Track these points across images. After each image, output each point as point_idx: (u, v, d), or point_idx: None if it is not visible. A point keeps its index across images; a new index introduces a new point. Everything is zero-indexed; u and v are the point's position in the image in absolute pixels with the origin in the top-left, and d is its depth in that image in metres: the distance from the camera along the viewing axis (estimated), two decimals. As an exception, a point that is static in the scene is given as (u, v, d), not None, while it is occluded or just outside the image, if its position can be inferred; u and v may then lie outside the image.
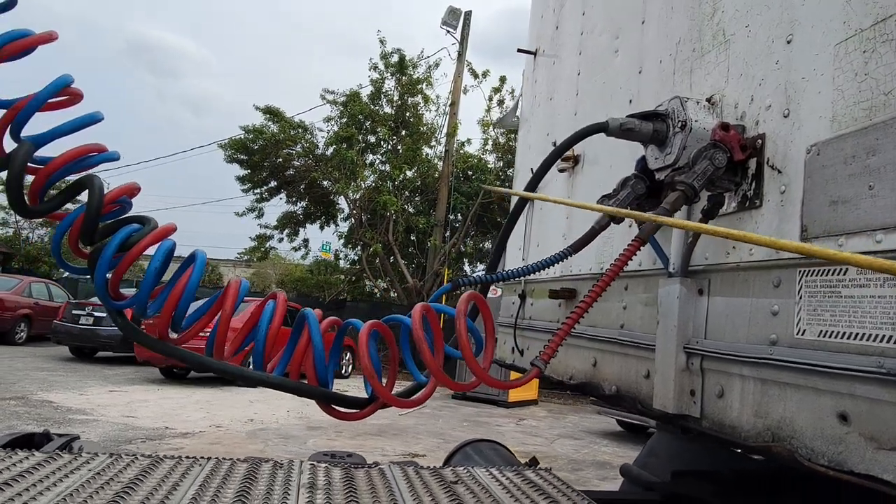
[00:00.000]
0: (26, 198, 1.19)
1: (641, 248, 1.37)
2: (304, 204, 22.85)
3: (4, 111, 1.23)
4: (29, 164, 1.20)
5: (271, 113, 20.74)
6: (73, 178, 1.28)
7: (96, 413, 9.10)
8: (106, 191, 1.24)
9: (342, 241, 23.14)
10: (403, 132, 20.99)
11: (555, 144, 2.65)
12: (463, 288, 1.43)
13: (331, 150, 20.58)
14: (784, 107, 1.30)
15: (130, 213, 1.33)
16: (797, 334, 1.19)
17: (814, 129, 1.22)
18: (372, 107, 20.80)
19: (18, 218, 28.71)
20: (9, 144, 1.24)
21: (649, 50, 1.89)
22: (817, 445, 1.11)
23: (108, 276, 1.26)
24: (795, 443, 1.16)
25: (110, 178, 1.39)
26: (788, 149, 1.28)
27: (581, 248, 1.60)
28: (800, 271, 1.21)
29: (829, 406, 1.10)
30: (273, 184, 22.22)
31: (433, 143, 21.76)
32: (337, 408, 1.33)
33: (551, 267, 2.16)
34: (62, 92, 1.28)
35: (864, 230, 1.07)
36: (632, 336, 1.79)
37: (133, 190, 1.32)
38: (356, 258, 22.49)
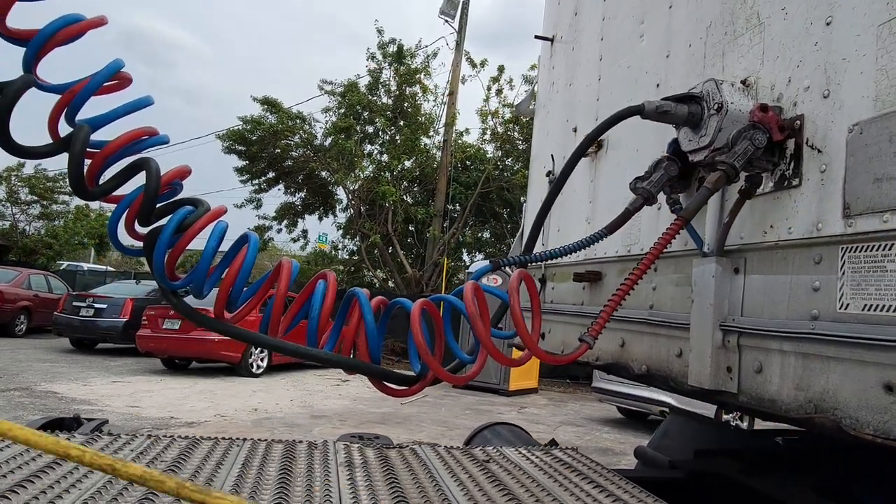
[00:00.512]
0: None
1: (684, 227, 1.40)
2: (302, 195, 22.83)
3: (59, 95, 1.26)
4: (85, 147, 1.22)
5: (269, 104, 20.67)
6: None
7: (101, 403, 9.13)
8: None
9: (341, 231, 23.16)
10: (402, 122, 20.94)
11: (575, 130, 2.67)
12: (507, 268, 1.46)
13: (329, 140, 20.54)
14: (824, 88, 1.33)
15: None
16: (840, 309, 1.22)
17: (855, 108, 1.24)
18: (370, 97, 20.75)
19: (15, 210, 28.60)
20: (63, 129, 1.26)
21: (678, 34, 1.91)
22: (862, 415, 1.15)
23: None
24: (839, 413, 1.20)
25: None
26: (829, 129, 1.31)
27: (616, 229, 1.63)
28: (842, 248, 1.24)
29: (875, 377, 1.13)
30: (271, 175, 22.18)
31: (431, 133, 21.74)
32: (388, 384, 1.36)
33: (583, 249, 2.19)
34: (113, 76, 1.30)
35: (911, 206, 1.10)
36: (662, 316, 1.82)
37: (185, 173, 1.34)
38: (355, 249, 22.50)
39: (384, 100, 21.10)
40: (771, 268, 1.42)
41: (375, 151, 21.39)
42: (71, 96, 1.22)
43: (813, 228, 1.31)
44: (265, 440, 2.01)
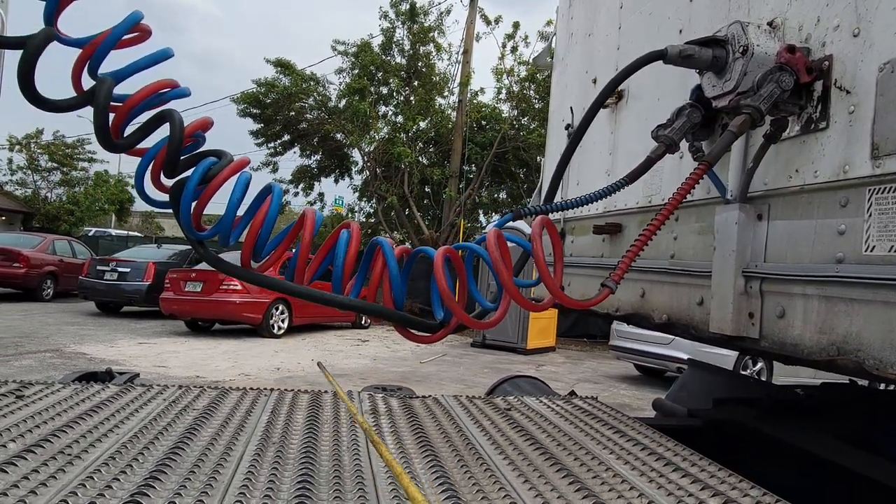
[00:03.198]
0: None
1: (707, 173, 1.39)
2: (318, 157, 22.81)
3: (80, 49, 1.26)
4: (109, 100, 1.23)
5: (282, 66, 20.51)
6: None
7: (129, 364, 9.36)
8: (183, 125, 1.27)
9: (357, 194, 23.18)
10: (416, 82, 20.70)
11: (594, 82, 2.63)
12: (528, 217, 1.46)
13: (343, 102, 20.40)
14: (854, 26, 1.29)
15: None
16: (866, 251, 1.21)
17: (887, 46, 1.21)
18: (383, 57, 20.49)
19: (36, 177, 28.96)
20: (87, 84, 1.27)
21: (702, -24, 1.86)
22: (886, 356, 1.15)
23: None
24: (862, 355, 1.20)
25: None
26: (858, 68, 1.28)
27: (637, 177, 1.61)
28: (870, 189, 1.22)
29: (899, 318, 1.13)
30: (286, 138, 22.16)
31: (446, 94, 21.50)
32: (412, 331, 1.38)
33: (603, 199, 2.19)
34: (133, 29, 1.31)
35: (942, 144, 1.08)
36: (683, 265, 1.82)
37: (207, 124, 1.35)
38: (371, 211, 22.53)
39: (398, 60, 20.84)
40: (795, 213, 1.41)
41: (390, 112, 21.22)
42: (92, 49, 1.23)
43: (840, 171, 1.29)
44: (292, 390, 2.07)
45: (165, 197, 1.32)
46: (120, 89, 1.28)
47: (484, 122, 21.43)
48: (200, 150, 1.35)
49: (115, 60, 1.32)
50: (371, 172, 21.14)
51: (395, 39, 20.64)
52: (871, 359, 1.18)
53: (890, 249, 1.17)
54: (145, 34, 1.34)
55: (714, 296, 1.59)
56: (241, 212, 1.33)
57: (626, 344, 11.21)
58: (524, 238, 1.44)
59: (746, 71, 1.46)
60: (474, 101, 21.29)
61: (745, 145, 1.58)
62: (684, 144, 1.70)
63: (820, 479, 1.92)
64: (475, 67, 21.47)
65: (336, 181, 23.31)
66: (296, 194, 23.00)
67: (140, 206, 35.61)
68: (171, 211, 1.33)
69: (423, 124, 20.76)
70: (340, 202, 24.01)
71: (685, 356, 9.89)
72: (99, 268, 15.59)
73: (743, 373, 9.76)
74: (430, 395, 2.16)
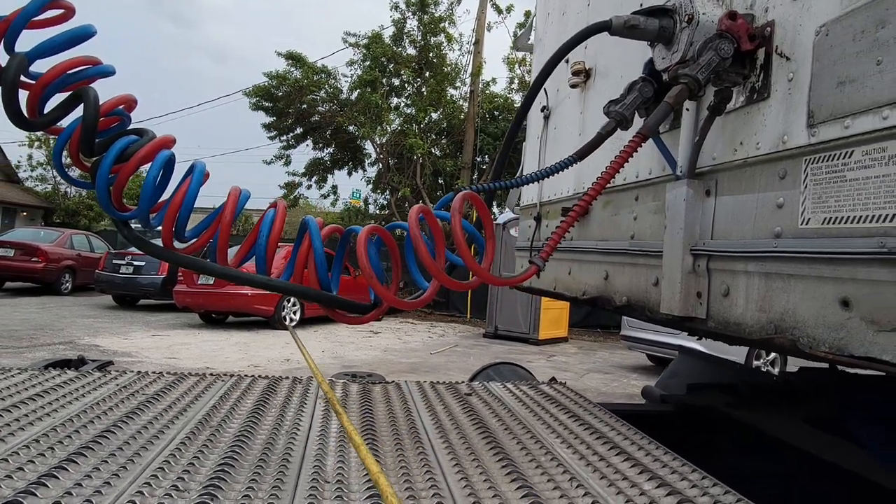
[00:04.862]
0: (24, 111, 1.21)
1: (643, 144, 1.33)
2: (330, 150, 22.86)
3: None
4: (24, 78, 1.21)
5: (293, 58, 20.55)
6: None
7: (140, 356, 9.48)
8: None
9: (370, 186, 23.19)
10: (427, 73, 20.62)
11: (567, 62, 2.57)
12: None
13: (355, 94, 20.40)
14: (794, -12, 1.23)
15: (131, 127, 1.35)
16: (801, 224, 1.16)
17: (823, 8, 1.15)
18: (395, 48, 20.43)
19: (57, 174, 29.37)
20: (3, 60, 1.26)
21: (660, -53, 1.79)
22: (819, 333, 1.10)
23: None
24: (797, 333, 1.15)
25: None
26: (797, 33, 1.22)
27: (587, 154, 1.56)
28: (805, 160, 1.17)
29: (832, 293, 1.08)
30: (299, 130, 22.23)
31: (458, 84, 21.40)
32: (343, 312, 1.35)
33: (567, 181, 2.13)
34: (53, 6, 1.28)
35: (871, 108, 1.02)
36: (641, 245, 1.77)
37: (129, 101, 1.33)
38: (385, 203, 22.55)
39: (409, 51, 20.77)
40: (739, 187, 1.36)
41: (402, 104, 21.18)
42: (6, 25, 1.21)
43: (779, 142, 1.23)
44: (251, 376, 2.05)
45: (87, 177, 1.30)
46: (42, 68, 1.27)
47: (496, 113, 21.31)
48: (126, 129, 1.33)
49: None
50: (384, 164, 21.14)
51: (405, 30, 20.57)
52: (805, 336, 1.13)
53: (823, 221, 1.11)
54: (69, 12, 1.32)
55: (664, 275, 1.54)
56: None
57: (638, 334, 11.08)
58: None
59: (693, 41, 1.40)
60: (486, 92, 21.18)
61: (694, 119, 1.52)
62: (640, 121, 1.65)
63: (788, 465, 1.86)
64: (487, 57, 21.34)
65: (349, 173, 23.38)
66: (309, 187, 23.12)
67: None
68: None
69: (435, 115, 20.70)
70: (358, 195, 24.07)
71: (697, 346, 9.78)
72: (115, 261, 15.80)
73: (756, 362, 9.62)
74: (392, 381, 2.13)
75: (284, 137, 22.25)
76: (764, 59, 1.30)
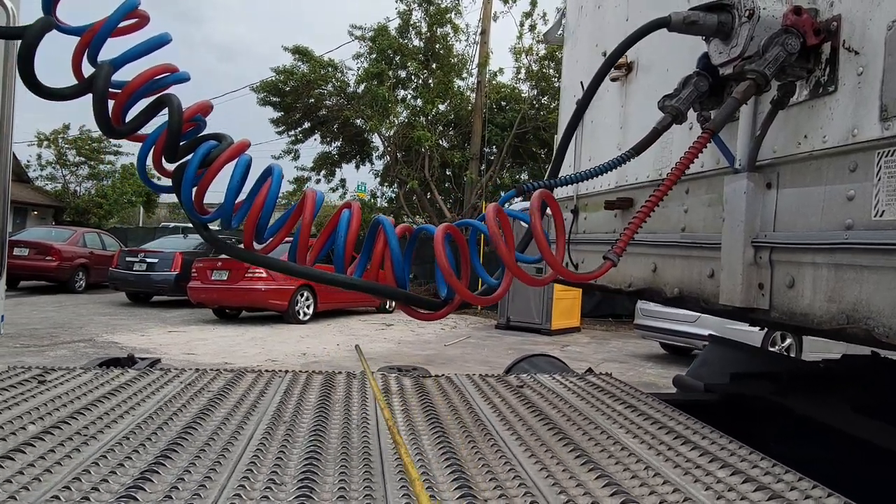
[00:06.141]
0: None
1: (711, 140, 1.36)
2: (338, 144, 22.88)
3: (79, 37, 1.28)
4: (108, 86, 1.24)
5: (300, 53, 20.53)
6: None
7: (159, 352, 9.56)
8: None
9: (378, 179, 23.21)
10: (434, 65, 20.56)
11: (604, 55, 2.59)
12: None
13: (362, 87, 20.37)
14: (862, -16, 1.25)
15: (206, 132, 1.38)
16: (875, 216, 1.18)
17: (895, 4, 1.17)
18: (401, 40, 20.37)
19: (66, 172, 29.55)
20: (86, 70, 1.29)
21: (709, -59, 1.80)
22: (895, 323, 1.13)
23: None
24: (872, 322, 1.17)
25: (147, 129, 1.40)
26: (866, 28, 1.23)
27: (643, 149, 1.59)
28: (879, 153, 1.19)
29: (909, 283, 1.10)
30: (306, 125, 22.24)
31: (465, 75, 21.31)
32: (416, 308, 1.39)
33: (609, 174, 2.16)
34: (130, 15, 1.32)
35: (952, 102, 1.04)
36: (694, 238, 1.79)
37: (206, 108, 1.36)
38: (393, 196, 22.57)
39: (415, 42, 20.70)
40: (804, 180, 1.38)
41: (409, 96, 21.14)
42: (90, 36, 1.24)
43: (848, 135, 1.26)
44: (305, 371, 2.09)
45: (169, 182, 1.33)
46: (122, 76, 1.30)
47: (503, 103, 21.25)
48: (202, 134, 1.37)
49: (118, 48, 1.33)
50: (391, 157, 21.14)
51: (411, 22, 20.49)
52: (881, 326, 1.16)
53: (899, 213, 1.13)
54: (143, 20, 1.35)
55: (724, 267, 1.57)
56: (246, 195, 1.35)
57: (652, 322, 11.11)
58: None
59: (753, 35, 1.42)
60: (493, 82, 21.11)
61: (753, 113, 1.54)
62: (693, 115, 1.67)
63: (838, 452, 1.89)
64: (493, 48, 21.19)
65: (357, 167, 23.39)
66: (318, 181, 23.12)
67: (167, 197, 36.15)
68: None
69: (442, 107, 20.64)
70: (363, 188, 24.09)
71: (711, 333, 9.80)
72: (128, 259, 15.91)
73: (771, 349, 9.63)
74: (442, 375, 2.17)
75: (292, 132, 22.27)
76: (830, 54, 1.32)
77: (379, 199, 23.42)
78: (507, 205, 1.57)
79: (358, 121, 21.17)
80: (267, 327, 12.90)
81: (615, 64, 1.75)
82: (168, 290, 15.65)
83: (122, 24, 1.31)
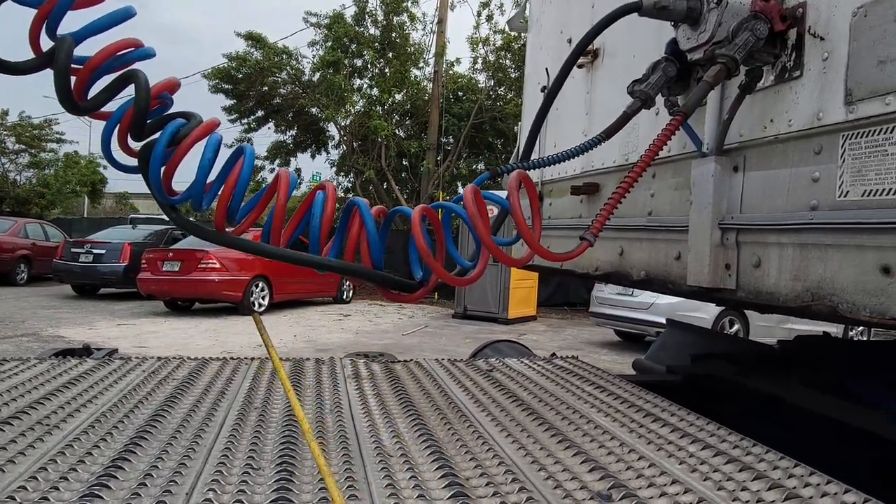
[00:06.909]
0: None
1: (685, 120, 1.38)
2: (293, 133, 22.50)
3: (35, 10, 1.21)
4: (69, 61, 1.19)
5: (253, 39, 20.06)
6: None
7: (108, 345, 9.24)
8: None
9: (334, 169, 22.94)
10: (390, 54, 20.39)
11: (570, 41, 2.60)
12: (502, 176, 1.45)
13: (317, 75, 20.05)
14: (827, -29, 1.29)
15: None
16: (839, 197, 1.23)
17: (859, -10, 1.21)
18: (357, 28, 20.11)
19: (5, 160, 28.22)
20: (45, 44, 1.22)
21: (675, -72, 1.83)
22: (859, 299, 1.17)
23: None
24: (836, 299, 1.22)
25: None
26: (831, 14, 1.27)
27: (613, 133, 1.60)
28: (843, 136, 1.23)
29: (872, 261, 1.15)
30: (260, 113, 21.79)
31: (421, 65, 21.22)
32: (392, 290, 1.38)
33: (575, 159, 2.18)
34: (92, -14, 1.25)
35: (914, 85, 1.08)
36: (661, 221, 1.83)
37: (174, 86, 1.31)
38: (350, 185, 22.35)
39: (371, 31, 20.48)
40: (770, 163, 1.42)
41: (365, 85, 20.93)
42: (49, 8, 1.18)
43: (814, 118, 1.30)
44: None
45: (134, 161, 1.28)
46: (83, 51, 1.24)
47: (460, 93, 21.25)
48: (169, 112, 1.32)
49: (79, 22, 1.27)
50: (347, 147, 20.91)
51: (367, 10, 20.25)
52: (845, 303, 1.20)
53: (863, 194, 1.18)
54: (105, -8, 1.29)
55: (691, 249, 1.60)
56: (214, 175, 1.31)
57: (606, 310, 11.35)
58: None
59: (721, 21, 1.45)
60: (450, 72, 21.07)
61: (720, 97, 1.58)
62: (660, 100, 1.70)
63: (798, 428, 1.97)
64: (450, 37, 21.11)
65: (312, 156, 23.08)
66: (272, 170, 22.69)
67: (113, 187, 34.94)
68: (142, 178, 1.29)
69: (398, 96, 20.52)
70: (318, 178, 23.78)
71: (664, 320, 10.08)
72: (73, 250, 15.32)
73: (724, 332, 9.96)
74: (411, 360, 2.16)
75: (246, 120, 21.78)
76: (796, 39, 1.36)
77: (337, 189, 23.14)
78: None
79: (313, 109, 20.84)
80: (221, 319, 12.63)
81: (586, 48, 1.76)
82: (116, 282, 15.16)
83: (82, -4, 1.25)
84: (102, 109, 1.26)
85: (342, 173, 22.79)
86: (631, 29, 1.98)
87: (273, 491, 1.00)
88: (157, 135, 1.25)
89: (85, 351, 2.33)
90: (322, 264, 1.28)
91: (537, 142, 2.81)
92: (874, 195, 1.15)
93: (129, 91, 1.25)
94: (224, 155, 1.34)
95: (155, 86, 1.25)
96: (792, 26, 1.36)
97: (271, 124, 22.05)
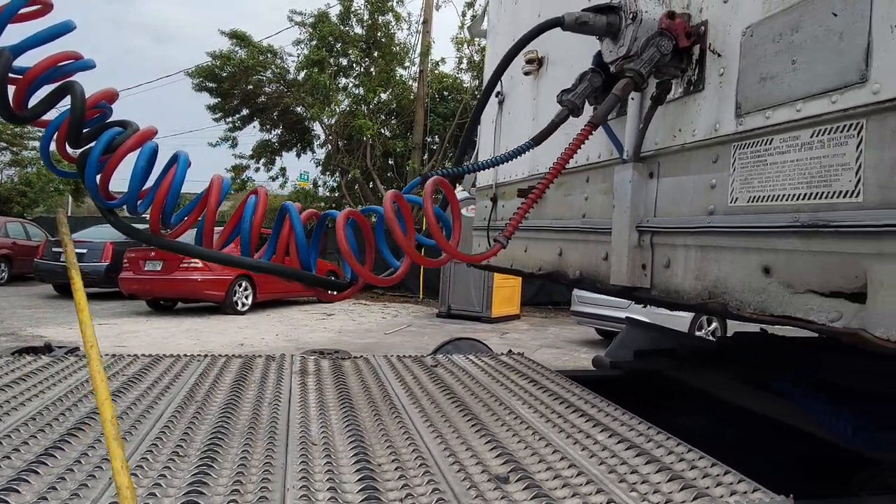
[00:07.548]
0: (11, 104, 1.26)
1: (594, 132, 1.47)
2: (278, 132, 22.47)
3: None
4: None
5: (238, 37, 20.03)
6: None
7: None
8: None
9: (319, 168, 22.94)
10: (376, 53, 20.43)
11: (521, 49, 2.69)
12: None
13: (302, 74, 20.06)
14: (725, -8, 1.38)
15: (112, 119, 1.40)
16: (731, 202, 1.32)
17: (749, 11, 1.31)
18: (342, 27, 20.14)
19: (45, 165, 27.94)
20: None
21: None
22: (745, 297, 1.27)
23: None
24: (727, 298, 1.32)
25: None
26: (727, 32, 1.37)
27: (542, 140, 1.69)
28: (734, 146, 1.33)
29: (755, 262, 1.25)
30: (245, 112, 21.74)
31: (407, 64, 21.27)
32: (322, 290, 1.46)
33: (522, 164, 2.27)
34: (33, 1, 1.33)
35: (787, 101, 1.18)
36: (593, 223, 1.92)
37: (112, 96, 1.38)
38: (335, 185, 22.37)
39: (357, 30, 20.51)
40: (678, 169, 1.51)
41: (350, 84, 20.96)
42: (-13, 23, 1.25)
43: (712, 129, 1.39)
44: (225, 356, 2.13)
45: (73, 168, 1.35)
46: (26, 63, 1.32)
47: (446, 93, 21.33)
48: (109, 121, 1.39)
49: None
50: (333, 146, 20.93)
51: (353, 9, 20.27)
52: (734, 301, 1.30)
53: (748, 200, 1.27)
54: (47, 7, 1.36)
55: (613, 250, 1.70)
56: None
57: (587, 309, 11.47)
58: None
59: (637, 37, 1.54)
60: (435, 72, 21.15)
61: (640, 108, 1.67)
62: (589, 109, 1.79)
63: (723, 419, 2.07)
64: (435, 37, 21.29)
65: (298, 155, 23.05)
66: (257, 170, 22.67)
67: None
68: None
69: (384, 96, 20.56)
70: (306, 177, 23.76)
71: (644, 319, 10.21)
72: (55, 249, 15.25)
73: (699, 333, 10.10)
74: (361, 356, 2.25)
75: (230, 119, 21.74)
76: (699, 55, 1.45)
77: (321, 189, 23.18)
78: (413, 192, 1.65)
79: (298, 108, 20.85)
80: (203, 318, 12.64)
81: (514, 58, 1.85)
82: (98, 282, 15.09)
83: (23, 11, 1.32)
84: (43, 118, 1.33)
85: (328, 172, 22.80)
86: (572, 40, 2.07)
87: (192, 475, 1.08)
88: (93, 143, 1.32)
89: (45, 349, 2.39)
90: (252, 265, 1.36)
91: (493, 145, 2.91)
92: (757, 201, 1.25)
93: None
94: (206, 158, 1.42)
95: (92, 96, 1.33)
96: (696, 43, 1.46)
97: (256, 123, 22.01)
